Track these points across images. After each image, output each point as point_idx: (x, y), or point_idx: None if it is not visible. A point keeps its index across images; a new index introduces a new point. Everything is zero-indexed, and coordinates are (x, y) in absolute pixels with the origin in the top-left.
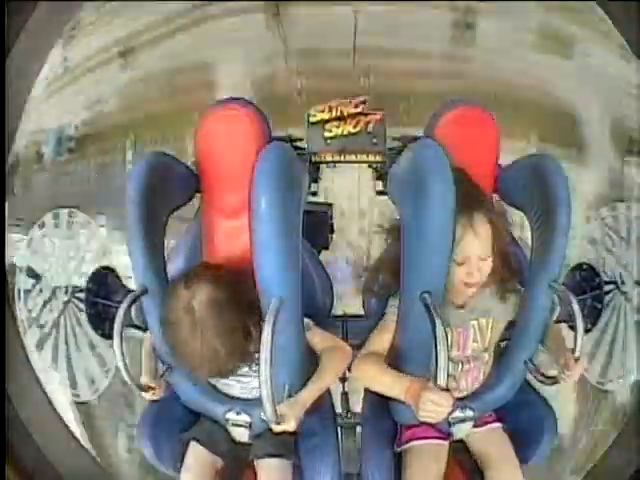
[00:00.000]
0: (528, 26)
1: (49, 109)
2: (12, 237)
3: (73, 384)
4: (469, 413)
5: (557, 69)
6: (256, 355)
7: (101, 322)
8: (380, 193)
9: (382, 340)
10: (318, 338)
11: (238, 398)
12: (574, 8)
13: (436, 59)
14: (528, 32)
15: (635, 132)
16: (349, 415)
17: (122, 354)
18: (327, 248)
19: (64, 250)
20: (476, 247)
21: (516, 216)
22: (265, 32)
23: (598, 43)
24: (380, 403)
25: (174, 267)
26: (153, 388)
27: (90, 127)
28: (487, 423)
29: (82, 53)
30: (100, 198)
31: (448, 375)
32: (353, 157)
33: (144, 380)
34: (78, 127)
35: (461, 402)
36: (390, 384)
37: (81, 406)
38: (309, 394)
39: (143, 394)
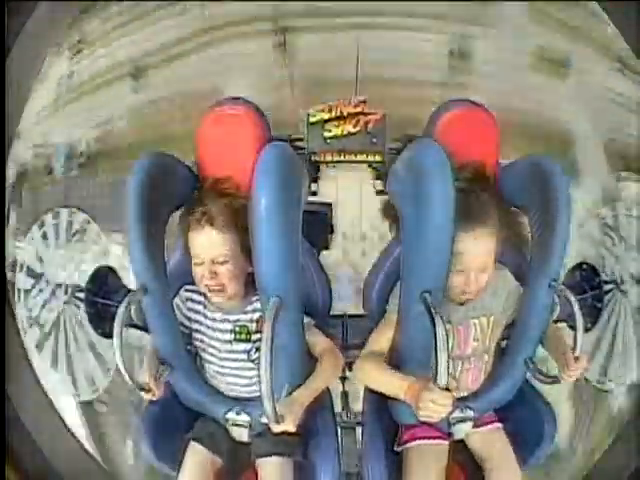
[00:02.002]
0: (524, 49)
1: (56, 123)
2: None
3: (73, 384)
4: (469, 413)
5: (553, 91)
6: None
7: (101, 322)
8: (380, 193)
9: (383, 339)
10: (316, 339)
11: (238, 398)
12: (571, 26)
13: (435, 87)
14: (524, 54)
15: (633, 148)
16: (349, 415)
17: (122, 354)
18: (327, 248)
19: (64, 249)
20: (476, 261)
21: None
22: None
23: (595, 60)
24: (380, 403)
25: (174, 267)
26: (151, 389)
27: (101, 145)
28: (487, 423)
29: (90, 69)
30: (112, 215)
31: (448, 374)
32: (353, 157)
33: (143, 380)
34: (89, 144)
35: (461, 402)
36: (390, 384)
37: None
38: (306, 394)
39: (142, 394)
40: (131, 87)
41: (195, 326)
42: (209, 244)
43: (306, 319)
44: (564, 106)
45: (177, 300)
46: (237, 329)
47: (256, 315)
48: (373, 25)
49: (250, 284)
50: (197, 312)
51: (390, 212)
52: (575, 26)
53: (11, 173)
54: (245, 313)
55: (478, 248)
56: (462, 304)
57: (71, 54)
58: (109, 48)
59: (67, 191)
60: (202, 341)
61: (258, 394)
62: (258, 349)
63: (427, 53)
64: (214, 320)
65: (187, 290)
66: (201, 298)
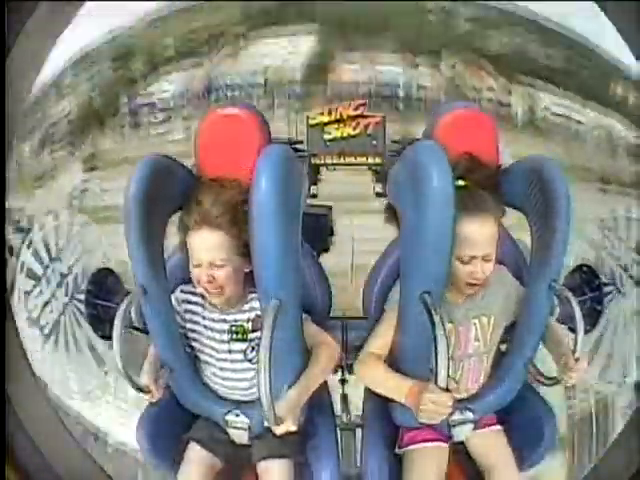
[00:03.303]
0: None
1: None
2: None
3: (73, 385)
4: (469, 415)
5: None
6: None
7: (101, 323)
8: (379, 195)
9: (383, 338)
10: (310, 332)
11: (237, 400)
12: None
13: None
14: None
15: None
16: (349, 417)
17: (121, 355)
18: (327, 250)
19: (64, 251)
20: (483, 248)
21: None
22: None
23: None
24: (380, 405)
25: (173, 268)
26: (151, 390)
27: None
28: (487, 425)
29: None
30: None
31: (448, 376)
32: (352, 159)
33: (142, 381)
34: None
35: (461, 404)
36: (391, 387)
37: None
38: (302, 390)
39: (141, 395)
40: None
41: (191, 326)
42: (207, 246)
43: (303, 315)
44: None
45: (173, 301)
46: (234, 329)
47: (252, 314)
48: None
49: (247, 282)
50: (194, 313)
51: (393, 215)
52: None
53: None
54: (242, 312)
55: (484, 235)
56: (463, 302)
57: (85, 168)
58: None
59: None
60: (199, 342)
61: (257, 397)
62: (254, 348)
63: None
64: (212, 320)
65: (183, 291)
66: (198, 299)
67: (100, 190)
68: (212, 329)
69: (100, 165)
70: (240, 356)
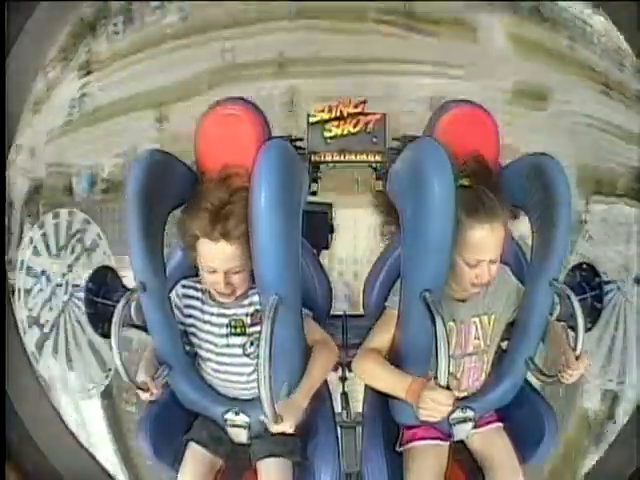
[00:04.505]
0: (505, 85)
1: (71, 144)
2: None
3: (73, 384)
4: (469, 413)
5: (529, 123)
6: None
7: (100, 321)
8: (380, 194)
9: (383, 335)
10: (308, 329)
11: (237, 399)
12: (554, 54)
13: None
14: (502, 91)
15: (605, 173)
16: (349, 415)
17: (120, 353)
18: (327, 248)
19: (64, 249)
20: (491, 252)
21: None
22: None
23: (577, 88)
24: (380, 403)
25: (173, 265)
26: (150, 389)
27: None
28: (488, 423)
29: (104, 96)
30: None
31: (449, 373)
32: (353, 157)
33: (141, 379)
34: (112, 171)
35: (461, 402)
36: (391, 382)
37: None
38: (304, 393)
39: (140, 394)
40: (152, 120)
41: (191, 321)
42: (224, 257)
43: (304, 311)
44: (539, 137)
45: (173, 296)
46: (233, 323)
47: (252, 309)
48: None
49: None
50: (194, 307)
51: (383, 207)
52: (559, 54)
53: (23, 188)
54: (242, 307)
55: (493, 241)
56: (464, 301)
57: (80, 75)
58: (122, 76)
59: (89, 214)
60: (198, 337)
61: (256, 395)
62: (253, 343)
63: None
64: (211, 315)
65: (184, 286)
66: (198, 294)
67: (99, 90)
68: (211, 323)
69: (95, 67)
70: (239, 351)
